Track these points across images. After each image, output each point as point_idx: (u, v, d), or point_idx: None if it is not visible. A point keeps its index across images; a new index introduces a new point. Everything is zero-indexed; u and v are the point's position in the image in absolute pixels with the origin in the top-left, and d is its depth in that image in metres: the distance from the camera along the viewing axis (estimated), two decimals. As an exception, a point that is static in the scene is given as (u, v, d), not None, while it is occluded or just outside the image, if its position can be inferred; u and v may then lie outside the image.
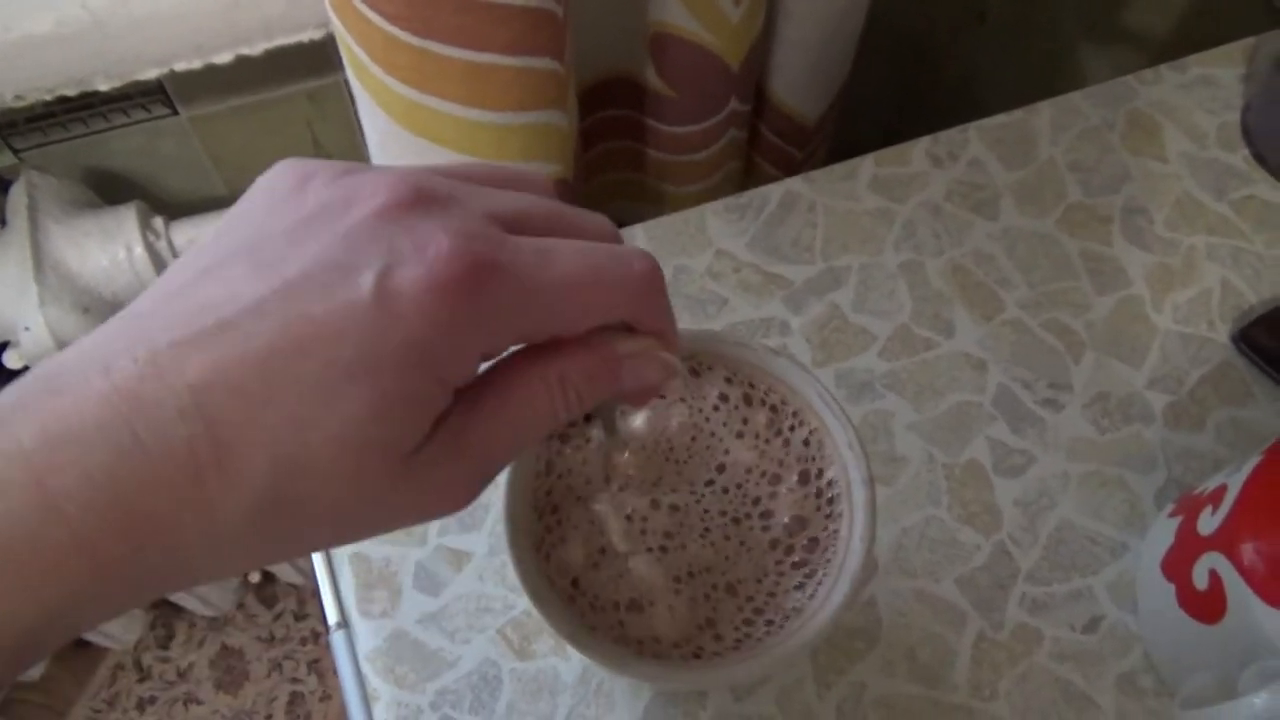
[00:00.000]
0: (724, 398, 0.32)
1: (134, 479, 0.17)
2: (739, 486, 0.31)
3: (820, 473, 0.31)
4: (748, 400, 0.32)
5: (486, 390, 0.21)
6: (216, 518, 0.18)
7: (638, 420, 0.32)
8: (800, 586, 0.30)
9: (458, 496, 0.22)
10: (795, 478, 0.31)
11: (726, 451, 0.32)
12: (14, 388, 0.18)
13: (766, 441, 0.32)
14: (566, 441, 0.31)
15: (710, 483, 0.31)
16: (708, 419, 0.32)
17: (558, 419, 0.22)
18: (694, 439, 0.32)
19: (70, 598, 0.18)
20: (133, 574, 0.18)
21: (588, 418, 0.31)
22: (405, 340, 0.19)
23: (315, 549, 0.21)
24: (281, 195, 0.21)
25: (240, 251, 0.20)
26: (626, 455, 0.31)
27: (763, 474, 0.31)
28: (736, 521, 0.31)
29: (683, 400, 0.32)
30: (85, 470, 0.17)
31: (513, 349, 0.22)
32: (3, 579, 0.17)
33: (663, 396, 0.32)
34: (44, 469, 0.17)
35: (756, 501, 0.31)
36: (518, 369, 0.22)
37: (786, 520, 0.31)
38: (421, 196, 0.20)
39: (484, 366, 0.21)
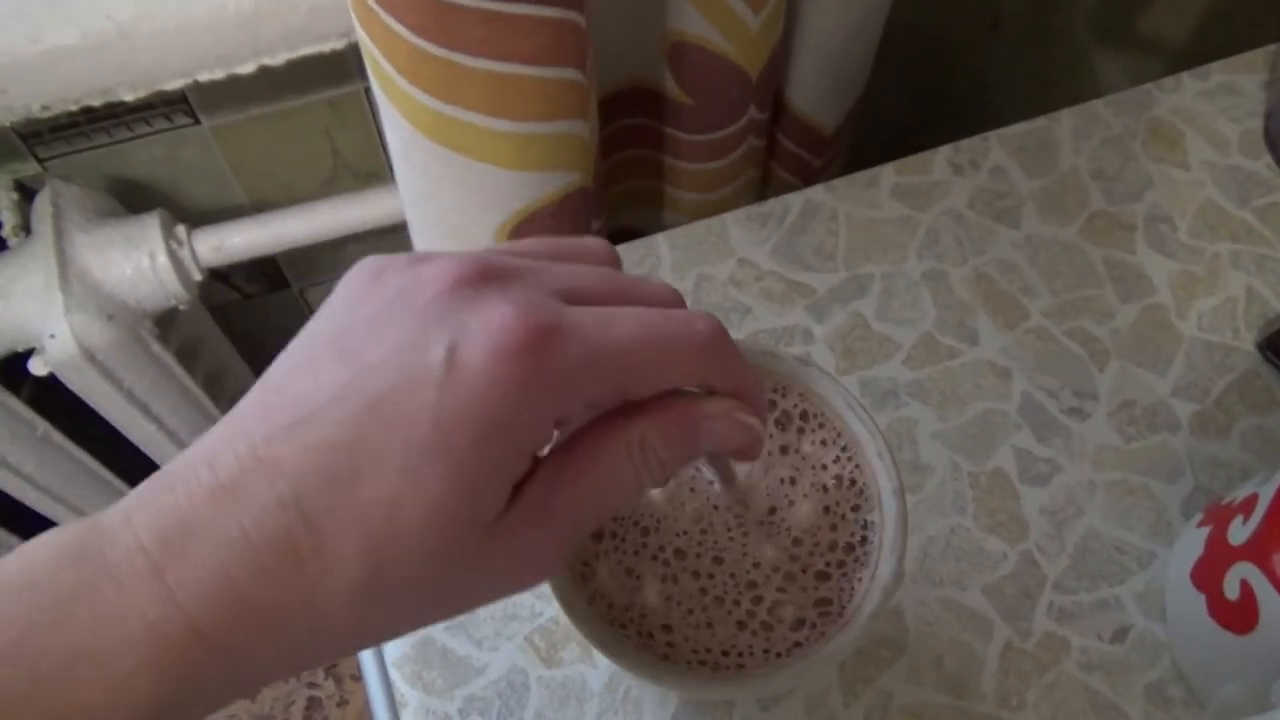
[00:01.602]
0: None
1: (241, 569, 0.18)
2: (768, 495, 0.31)
3: (851, 482, 0.31)
4: (776, 409, 0.32)
5: (568, 456, 0.22)
6: (317, 603, 0.19)
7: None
8: (829, 597, 0.30)
9: (544, 564, 0.22)
10: (825, 487, 0.31)
11: (757, 460, 0.32)
12: (136, 490, 0.20)
13: (796, 450, 0.32)
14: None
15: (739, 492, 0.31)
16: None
17: (640, 482, 0.23)
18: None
19: (186, 687, 0.18)
20: (242, 665, 0.19)
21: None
22: (477, 410, 0.19)
23: (412, 627, 0.21)
24: (359, 290, 0.22)
25: (323, 346, 0.21)
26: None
27: (793, 483, 0.31)
28: (765, 530, 0.31)
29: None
30: (198, 562, 0.18)
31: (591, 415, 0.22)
32: (129, 667, 0.18)
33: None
34: (162, 562, 0.18)
35: (786, 511, 0.31)
36: (598, 433, 0.22)
37: (816, 530, 0.31)
38: (486, 273, 0.21)
39: (558, 434, 0.22)
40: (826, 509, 0.31)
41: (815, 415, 0.32)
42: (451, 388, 0.19)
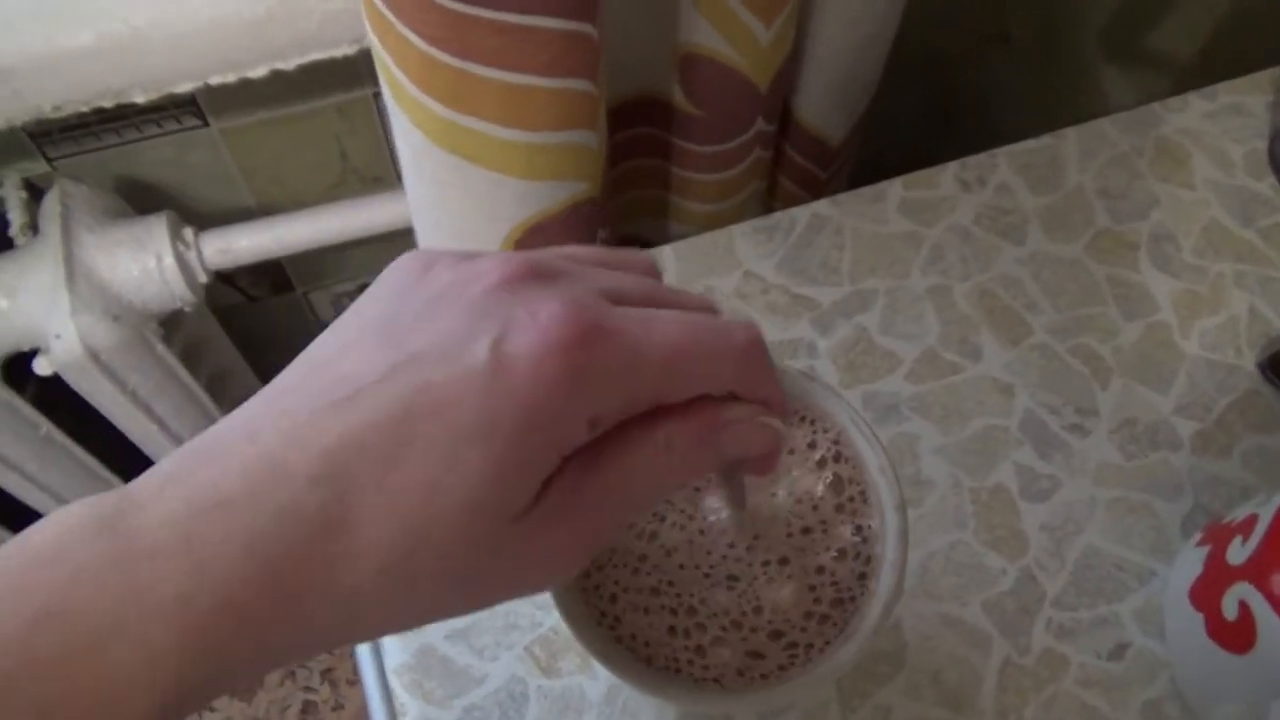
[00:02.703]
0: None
1: (275, 545, 0.18)
2: (769, 509, 0.32)
3: (852, 498, 0.31)
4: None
5: (594, 455, 0.22)
6: (344, 580, 0.19)
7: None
8: (829, 613, 0.30)
9: (568, 560, 0.22)
10: (827, 502, 0.31)
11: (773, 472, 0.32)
12: (165, 461, 0.20)
13: (798, 464, 0.32)
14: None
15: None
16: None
17: (664, 484, 0.23)
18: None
19: (214, 661, 0.18)
20: (271, 640, 0.19)
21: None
22: (519, 403, 0.19)
23: (436, 616, 0.21)
24: (408, 280, 0.22)
25: (371, 330, 0.21)
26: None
27: (796, 499, 0.32)
28: (765, 545, 0.31)
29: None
30: (229, 533, 0.18)
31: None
32: (159, 639, 0.18)
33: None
34: (193, 533, 0.18)
35: (788, 524, 0.31)
36: (624, 433, 0.22)
37: (816, 544, 0.31)
38: (535, 270, 0.21)
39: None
40: (827, 523, 0.31)
41: (818, 429, 0.32)
42: (496, 379, 0.19)
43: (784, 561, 0.31)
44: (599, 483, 0.22)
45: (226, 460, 0.19)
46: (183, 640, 0.18)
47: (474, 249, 0.23)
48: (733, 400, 0.24)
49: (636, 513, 0.24)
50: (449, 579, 0.20)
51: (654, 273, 0.26)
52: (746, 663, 0.29)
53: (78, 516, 0.19)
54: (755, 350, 0.24)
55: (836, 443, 0.32)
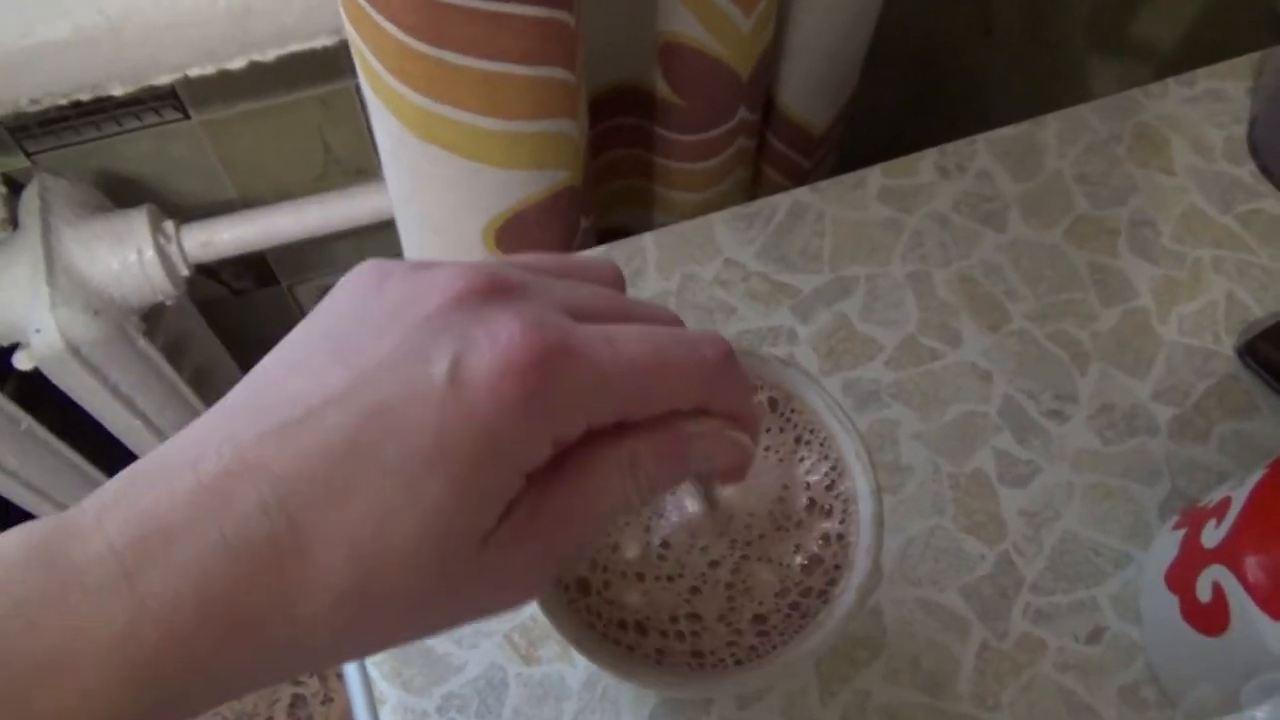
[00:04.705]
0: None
1: (219, 575, 0.18)
2: (746, 494, 0.32)
3: (830, 485, 0.31)
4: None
5: (557, 474, 0.21)
6: (299, 611, 0.18)
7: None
8: (805, 596, 0.30)
9: (532, 582, 0.22)
10: (803, 487, 0.31)
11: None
12: (109, 485, 0.19)
13: (775, 451, 0.32)
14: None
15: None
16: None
17: (629, 501, 0.22)
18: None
19: (159, 697, 0.18)
20: (220, 671, 0.18)
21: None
22: (479, 426, 0.19)
23: (395, 643, 0.21)
24: (362, 293, 0.21)
25: (323, 346, 0.20)
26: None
27: (772, 484, 0.32)
28: (743, 531, 0.31)
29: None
30: (173, 566, 0.18)
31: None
32: (98, 676, 0.17)
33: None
34: (134, 566, 0.17)
35: (766, 510, 0.31)
36: (587, 451, 0.22)
37: (793, 530, 0.31)
38: (493, 285, 0.21)
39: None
40: (805, 508, 0.31)
41: (795, 415, 0.32)
42: (454, 402, 0.19)
43: (761, 547, 0.31)
44: (561, 503, 0.21)
45: (170, 486, 0.18)
46: (123, 681, 0.17)
47: (432, 259, 0.22)
48: (699, 414, 0.23)
49: (601, 531, 0.23)
50: (410, 606, 0.20)
51: (617, 280, 0.25)
52: (724, 648, 0.29)
53: (15, 546, 0.18)
54: (724, 365, 0.23)
55: (812, 429, 0.32)
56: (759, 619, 0.30)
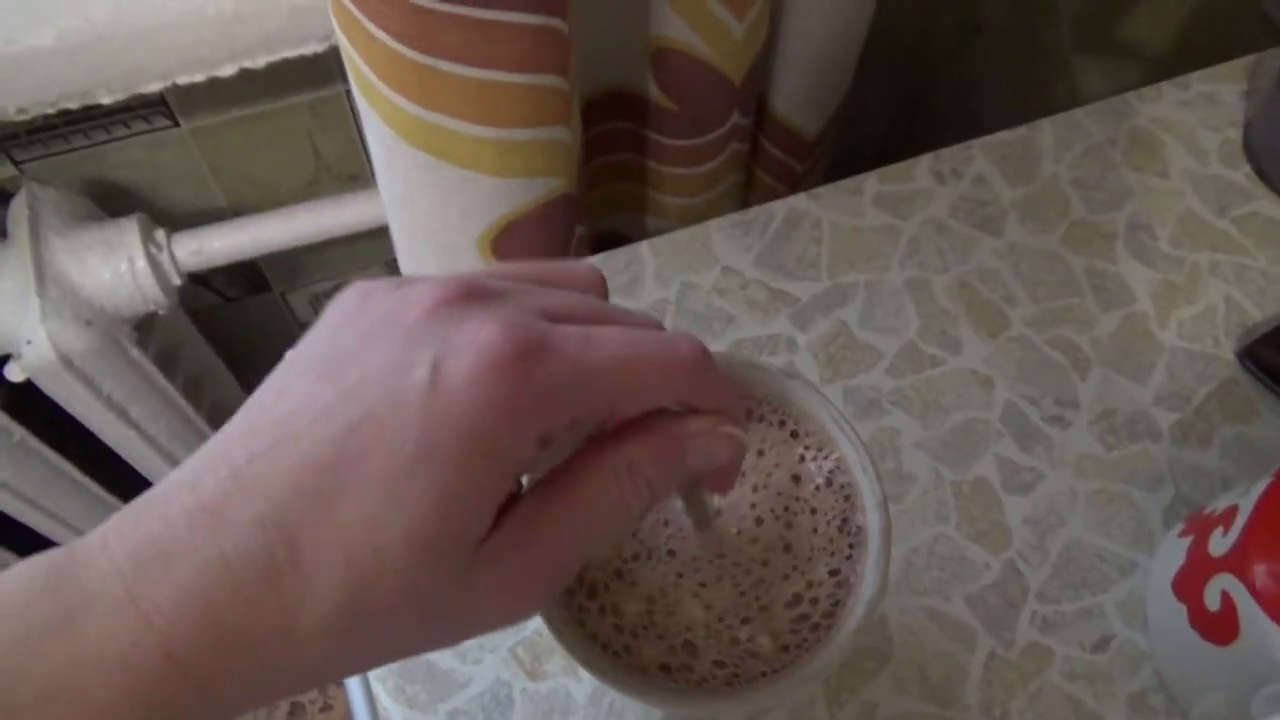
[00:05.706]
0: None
1: (219, 592, 0.18)
2: (753, 508, 0.31)
3: (834, 497, 0.31)
4: (762, 421, 0.32)
5: (555, 482, 0.22)
6: (297, 626, 0.19)
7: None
8: (812, 612, 0.30)
9: (533, 593, 0.21)
10: (809, 501, 0.31)
11: (742, 474, 0.32)
12: (116, 515, 0.19)
13: (779, 463, 0.32)
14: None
15: (719, 510, 0.31)
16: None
17: (630, 509, 0.22)
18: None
19: (161, 712, 0.18)
20: (222, 692, 0.18)
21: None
22: (461, 427, 0.19)
23: (394, 656, 0.21)
24: (346, 313, 0.22)
25: (309, 369, 0.21)
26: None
27: (777, 496, 0.31)
28: (748, 545, 0.31)
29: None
30: (175, 586, 0.18)
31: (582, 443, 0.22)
32: (102, 699, 0.17)
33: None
34: (137, 588, 0.18)
35: (772, 524, 0.31)
36: (585, 459, 0.22)
37: (800, 545, 0.31)
38: (471, 293, 0.21)
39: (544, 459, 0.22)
40: (808, 520, 0.31)
41: (801, 428, 0.32)
42: (435, 405, 0.19)
43: (766, 562, 0.30)
44: (559, 512, 0.21)
45: (168, 511, 0.19)
46: (129, 702, 0.17)
47: (413, 275, 0.23)
48: (690, 414, 0.24)
49: (603, 542, 0.23)
50: (405, 618, 0.20)
51: (598, 286, 0.25)
52: (732, 664, 0.29)
53: (20, 576, 0.18)
54: (700, 359, 0.23)
55: (818, 442, 0.32)
56: (766, 635, 0.30)
